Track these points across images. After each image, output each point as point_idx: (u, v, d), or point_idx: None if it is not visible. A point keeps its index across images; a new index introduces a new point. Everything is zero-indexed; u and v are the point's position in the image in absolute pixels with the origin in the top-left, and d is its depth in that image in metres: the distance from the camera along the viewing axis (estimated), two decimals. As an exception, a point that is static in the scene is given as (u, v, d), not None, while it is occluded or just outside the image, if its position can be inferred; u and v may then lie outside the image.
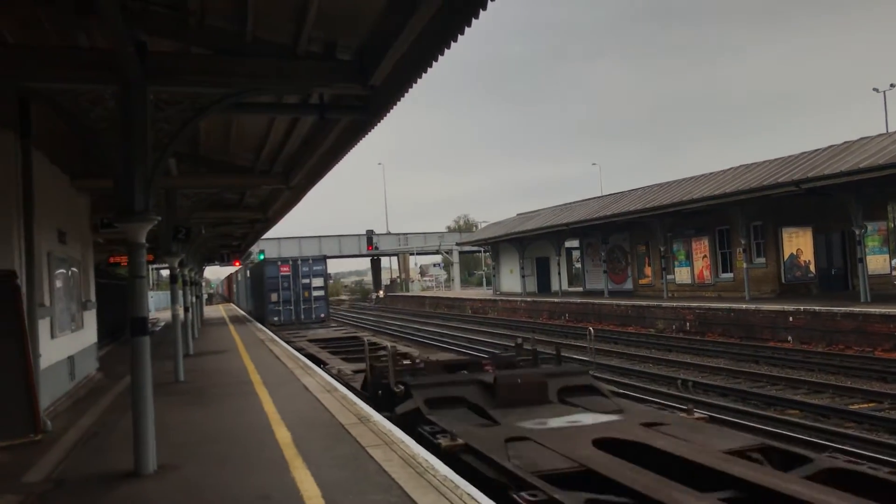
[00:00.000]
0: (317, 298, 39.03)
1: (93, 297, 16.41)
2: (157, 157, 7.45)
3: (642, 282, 36.15)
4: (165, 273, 53.59)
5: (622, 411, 8.93)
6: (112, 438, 9.15)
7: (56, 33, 7.96)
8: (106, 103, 7.46)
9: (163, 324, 31.62)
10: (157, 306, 59.30)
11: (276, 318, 37.22)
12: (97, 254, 19.82)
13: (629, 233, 36.21)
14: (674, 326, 26.94)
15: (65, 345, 12.70)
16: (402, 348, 16.25)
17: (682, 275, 33.02)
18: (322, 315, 38.95)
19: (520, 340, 13.10)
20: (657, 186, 34.57)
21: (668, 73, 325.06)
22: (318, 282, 39.48)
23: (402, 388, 9.76)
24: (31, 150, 9.83)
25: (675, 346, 23.48)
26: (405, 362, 11.76)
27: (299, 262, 39.75)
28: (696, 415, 9.10)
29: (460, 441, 7.50)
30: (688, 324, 26.39)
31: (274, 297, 38.18)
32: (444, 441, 7.61)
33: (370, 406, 10.10)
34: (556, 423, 8.42)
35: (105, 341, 20.25)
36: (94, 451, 8.59)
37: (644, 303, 30.28)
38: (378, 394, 10.59)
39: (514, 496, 5.94)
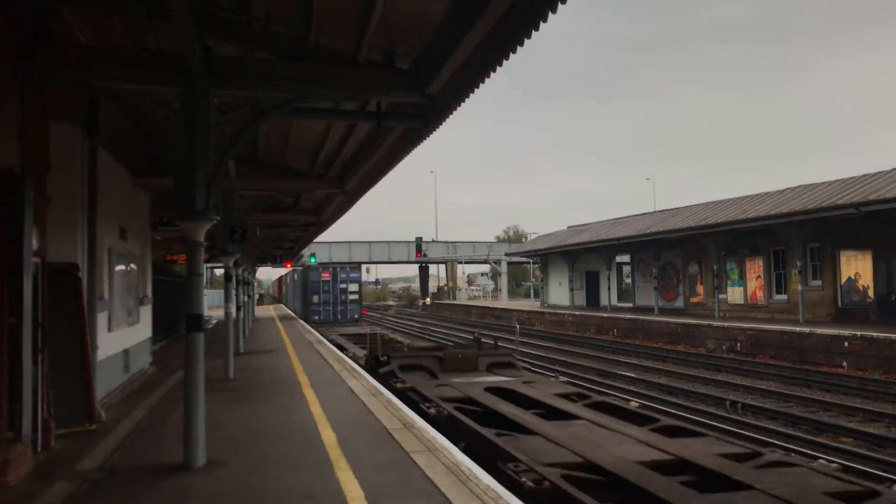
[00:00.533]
0: (352, 301, 45.11)
1: (149, 293, 16.80)
2: (218, 158, 7.62)
3: (693, 300, 35.59)
4: (219, 272, 54.63)
5: (521, 377, 14.17)
6: (163, 431, 9.35)
7: (126, 35, 8.22)
8: (171, 105, 7.65)
9: (214, 321, 32.19)
10: (210, 304, 60.37)
11: (316, 317, 42.78)
12: (154, 251, 20.29)
13: (682, 250, 35.70)
14: (724, 347, 26.44)
15: (121, 338, 13.03)
16: (399, 338, 25.36)
17: (734, 294, 32.42)
18: (356, 316, 44.49)
19: (476, 335, 19.28)
20: (712, 204, 34.03)
21: (726, 90, 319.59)
22: (353, 287, 45.53)
23: (385, 358, 14.89)
24: (97, 148, 10.15)
25: (724, 366, 23.04)
26: (395, 345, 17.90)
27: (338, 269, 46.01)
28: (561, 378, 16.35)
29: (409, 385, 12.71)
30: (739, 344, 25.88)
31: (316, 298, 44.20)
32: (400, 385, 12.84)
33: (368, 373, 14.44)
34: (473, 380, 13.28)
35: (159, 336, 20.69)
36: (145, 443, 8.80)
37: (694, 321, 29.78)
38: (372, 364, 15.54)
39: (423, 408, 10.69)
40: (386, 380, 13.62)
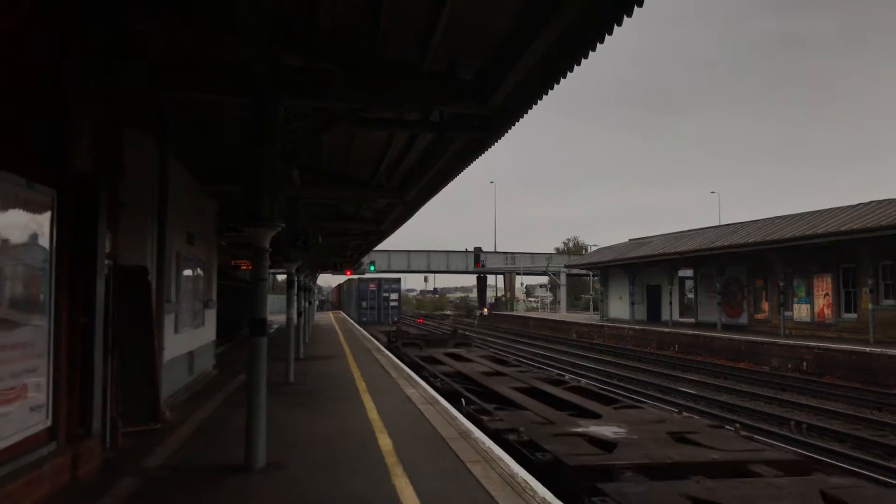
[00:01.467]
0: (392, 308, 59.51)
1: (214, 297, 17.21)
2: (284, 166, 7.80)
3: (758, 317, 34.72)
4: (281, 278, 55.69)
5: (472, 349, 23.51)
6: (225, 433, 9.57)
7: (197, 46, 8.47)
8: (239, 113, 7.86)
9: (276, 327, 32.73)
10: (271, 310, 61.37)
11: (364, 318, 55.27)
12: (219, 256, 20.77)
13: (747, 265, 34.87)
14: (789, 365, 25.69)
15: (186, 340, 13.38)
16: (411, 331, 37.06)
17: (800, 312, 31.51)
18: (395, 318, 56.46)
19: (454, 328, 34.59)
20: (779, 219, 33.20)
21: (792, 104, 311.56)
22: (394, 296, 60.21)
23: (395, 340, 25.19)
24: (168, 155, 10.48)
25: (789, 385, 22.37)
26: (407, 333, 29.51)
27: (382, 281, 59.37)
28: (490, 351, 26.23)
29: (404, 352, 21.66)
30: (805, 363, 25.12)
31: (364, 304, 58.78)
32: (408, 352, 21.71)
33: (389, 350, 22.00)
34: (440, 350, 21.92)
35: (222, 340, 21.15)
36: (207, 443, 9.01)
37: (759, 339, 29.04)
38: (389, 344, 25.25)
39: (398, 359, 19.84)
40: (396, 351, 22.72)
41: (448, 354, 20.30)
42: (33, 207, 6.15)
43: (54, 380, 6.51)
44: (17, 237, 5.87)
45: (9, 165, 5.57)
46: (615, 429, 9.30)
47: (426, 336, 29.10)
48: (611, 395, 14.00)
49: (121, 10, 7.22)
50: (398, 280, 61.82)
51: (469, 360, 18.66)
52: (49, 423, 6.47)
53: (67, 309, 6.79)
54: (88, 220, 7.22)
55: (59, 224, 6.54)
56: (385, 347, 24.66)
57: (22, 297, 5.95)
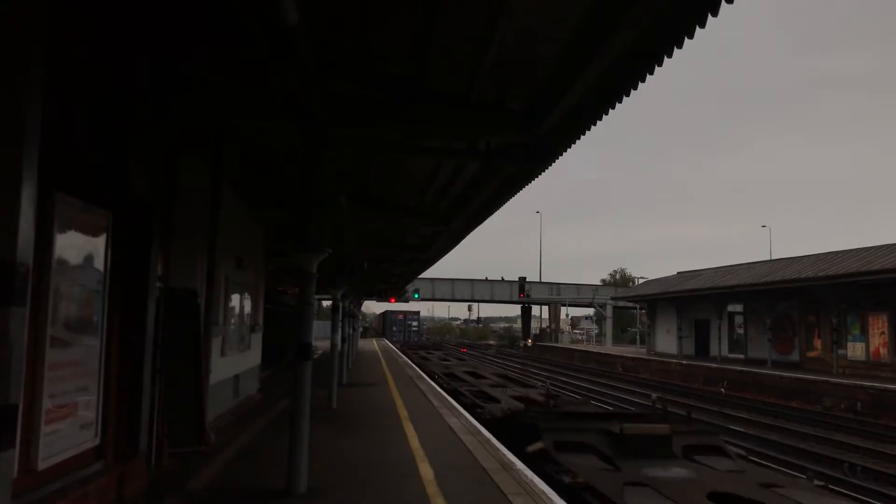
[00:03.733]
0: (413, 331, 79.49)
1: (261, 321, 17.40)
2: (332, 193, 7.89)
3: (810, 354, 33.78)
4: (325, 304, 56.13)
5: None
6: (268, 456, 9.62)
7: (251, 74, 8.67)
8: (289, 141, 8.00)
9: (319, 352, 32.93)
10: (315, 335, 61.89)
11: (393, 339, 71.91)
12: (266, 281, 21.03)
13: (799, 300, 34.03)
14: (843, 405, 24.91)
15: (232, 364, 13.53)
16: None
17: (855, 350, 30.57)
18: (416, 339, 76.67)
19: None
20: (832, 254, 32.43)
21: (842, 142, 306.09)
22: (414, 324, 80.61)
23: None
24: (220, 181, 10.69)
25: (842, 426, 21.66)
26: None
27: (407, 314, 79.08)
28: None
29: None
30: (859, 404, 24.32)
31: (395, 328, 78.02)
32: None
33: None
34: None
35: (266, 365, 21.34)
36: (250, 466, 9.07)
37: (811, 377, 28.25)
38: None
39: None
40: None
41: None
42: (89, 229, 6.32)
43: (104, 399, 6.62)
44: (74, 258, 6.02)
45: (67, 187, 5.73)
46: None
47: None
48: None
49: (179, 40, 7.43)
50: (418, 312, 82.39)
51: None
52: (97, 441, 6.57)
53: (119, 330, 6.92)
54: (142, 242, 7.38)
55: (113, 246, 6.69)
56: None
57: (76, 317, 6.09)
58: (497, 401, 16.59)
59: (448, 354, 49.04)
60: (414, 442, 10.95)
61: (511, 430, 11.61)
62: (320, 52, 7.01)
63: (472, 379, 24.21)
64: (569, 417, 12.50)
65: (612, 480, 8.87)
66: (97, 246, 6.47)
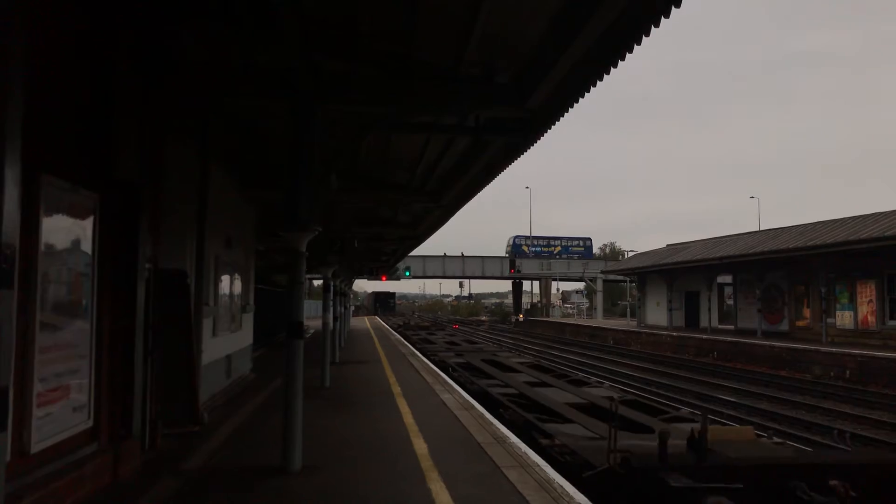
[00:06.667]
0: (393, 306, 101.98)
1: (252, 301, 17.38)
2: (322, 171, 7.84)
3: (799, 323, 34.06)
4: (316, 283, 56.09)
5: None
6: (262, 435, 9.64)
7: (238, 52, 8.56)
8: (278, 119, 7.92)
9: (312, 331, 32.95)
10: (307, 315, 61.85)
11: (378, 311, 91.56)
12: (257, 261, 20.96)
13: (787, 271, 34.25)
14: (832, 373, 25.15)
15: (224, 344, 13.52)
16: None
17: (843, 319, 30.84)
18: (394, 311, 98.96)
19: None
20: (820, 224, 32.56)
21: (820, 117, 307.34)
22: (392, 301, 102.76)
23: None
24: (208, 160, 10.60)
25: (832, 394, 21.87)
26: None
27: (387, 294, 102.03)
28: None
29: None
30: (848, 371, 24.57)
31: (378, 304, 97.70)
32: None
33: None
34: None
35: (258, 345, 21.35)
36: (245, 446, 9.09)
37: (800, 346, 28.49)
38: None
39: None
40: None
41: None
42: (77, 211, 6.26)
43: (96, 381, 6.60)
44: (62, 241, 5.97)
45: (54, 169, 5.67)
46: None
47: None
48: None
49: (164, 17, 7.33)
50: (393, 294, 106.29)
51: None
52: (91, 423, 6.56)
53: (109, 312, 6.89)
54: (130, 224, 7.33)
55: (101, 228, 6.64)
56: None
57: (65, 300, 6.05)
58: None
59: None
60: (408, 418, 10.99)
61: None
62: (307, 28, 6.92)
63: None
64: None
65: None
66: (85, 228, 6.42)
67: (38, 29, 5.07)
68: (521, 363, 21.18)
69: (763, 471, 7.34)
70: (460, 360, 21.75)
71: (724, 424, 13.08)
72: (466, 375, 17.57)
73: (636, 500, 7.09)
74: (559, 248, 78.45)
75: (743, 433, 9.42)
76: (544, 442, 9.40)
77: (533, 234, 79.25)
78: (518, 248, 75.99)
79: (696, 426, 7.83)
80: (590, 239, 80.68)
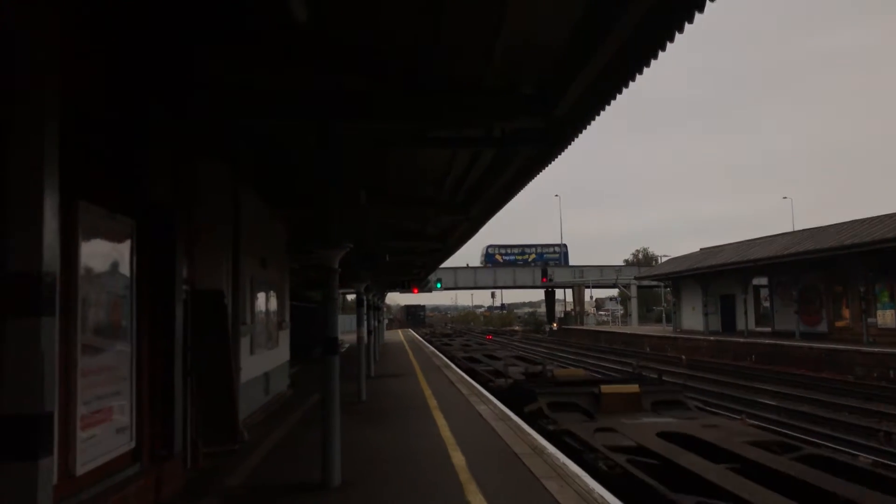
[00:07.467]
0: (421, 317, 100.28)
1: (287, 318, 17.53)
2: (350, 188, 7.92)
3: (839, 324, 33.45)
4: (350, 297, 56.39)
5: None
6: (301, 451, 9.71)
7: (264, 74, 8.69)
8: (305, 138, 8.02)
9: (346, 346, 33.10)
10: (341, 329, 62.15)
11: (410, 322, 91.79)
12: (292, 278, 21.13)
13: (825, 271, 33.67)
14: (875, 374, 24.65)
15: (261, 361, 13.66)
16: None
17: (885, 318, 30.20)
18: (425, 321, 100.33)
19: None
20: (857, 222, 32.00)
21: (848, 117, 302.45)
22: (422, 314, 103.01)
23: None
24: (239, 182, 10.77)
25: (876, 395, 21.43)
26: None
27: (418, 307, 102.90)
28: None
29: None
30: (891, 371, 24.08)
31: (410, 317, 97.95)
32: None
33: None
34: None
35: (295, 360, 21.49)
36: (285, 462, 9.17)
37: (840, 347, 27.98)
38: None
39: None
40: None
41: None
42: (114, 236, 6.41)
43: (137, 403, 6.73)
44: (100, 266, 6.11)
45: (91, 197, 5.81)
46: None
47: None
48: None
49: (193, 42, 7.47)
50: (423, 307, 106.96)
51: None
52: (133, 444, 6.68)
53: (148, 333, 7.03)
54: (166, 247, 7.47)
55: (138, 252, 6.79)
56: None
57: (106, 324, 6.18)
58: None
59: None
60: (445, 430, 11.00)
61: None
62: (332, 48, 7.02)
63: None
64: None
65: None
66: (122, 252, 6.56)
67: (72, 61, 5.22)
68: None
69: (570, 383, 15.01)
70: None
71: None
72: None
73: (516, 397, 13.98)
74: (533, 256, 78.53)
75: (575, 372, 19.14)
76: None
77: (506, 243, 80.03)
78: (491, 257, 76.53)
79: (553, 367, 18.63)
80: (565, 245, 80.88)
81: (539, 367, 19.12)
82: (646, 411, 12.67)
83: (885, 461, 12.16)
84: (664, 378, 16.77)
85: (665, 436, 10.36)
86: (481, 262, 78.62)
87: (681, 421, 11.76)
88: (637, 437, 10.29)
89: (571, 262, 78.73)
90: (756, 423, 14.23)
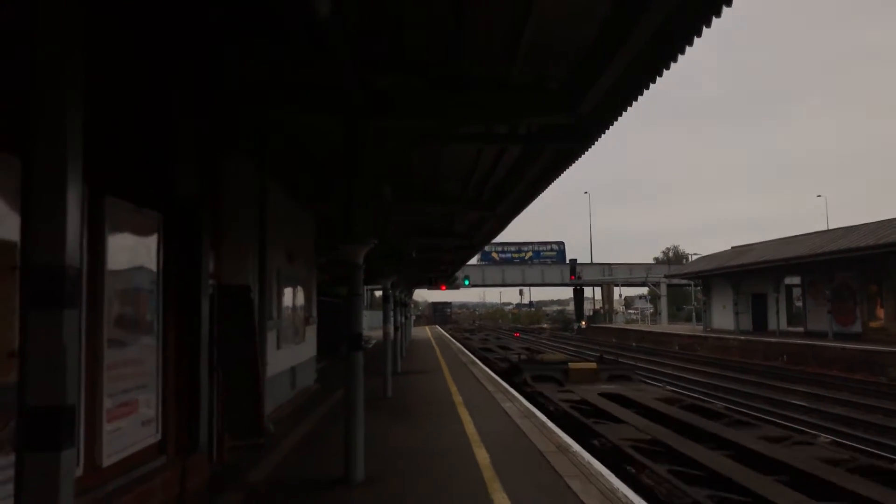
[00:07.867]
0: (449, 314, 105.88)
1: (314, 313, 17.60)
2: (376, 184, 7.91)
3: (873, 324, 32.83)
4: (377, 294, 56.52)
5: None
6: (326, 446, 9.75)
7: (291, 69, 8.72)
8: (331, 134, 8.03)
9: (373, 342, 33.20)
10: (370, 325, 62.40)
11: (436, 319, 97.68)
12: (319, 274, 21.22)
13: (859, 270, 33.07)
14: (911, 376, 24.16)
15: (288, 356, 13.73)
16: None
17: (922, 319, 29.61)
18: (451, 317, 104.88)
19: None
20: (891, 222, 31.39)
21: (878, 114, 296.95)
22: (448, 310, 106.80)
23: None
24: (266, 176, 10.82)
25: (911, 397, 21.00)
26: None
27: (444, 304, 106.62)
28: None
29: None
30: (928, 374, 23.58)
31: (436, 313, 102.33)
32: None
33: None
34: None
35: (322, 355, 21.58)
36: (309, 457, 9.22)
37: (875, 347, 27.47)
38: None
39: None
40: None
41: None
42: (140, 231, 6.46)
43: (163, 396, 6.79)
44: (127, 260, 6.16)
45: (118, 191, 5.86)
46: None
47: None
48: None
49: (221, 39, 7.52)
50: (450, 304, 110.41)
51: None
52: (159, 437, 6.74)
53: (174, 327, 7.08)
54: (192, 241, 7.51)
55: (165, 246, 6.84)
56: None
57: (132, 317, 6.24)
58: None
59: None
60: (469, 427, 10.98)
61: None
62: (356, 44, 7.01)
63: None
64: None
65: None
66: (149, 246, 6.62)
67: (98, 57, 5.26)
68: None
69: (550, 363, 21.20)
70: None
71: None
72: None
73: (513, 373, 19.90)
74: (530, 254, 77.70)
75: (556, 355, 27.98)
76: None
77: (503, 241, 78.55)
78: (487, 255, 75.45)
79: (544, 353, 28.98)
80: (562, 243, 79.56)
81: (531, 354, 27.09)
82: (602, 381, 18.57)
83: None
84: (619, 360, 25.44)
85: (605, 395, 15.72)
86: (477, 261, 77.53)
87: (620, 386, 17.37)
88: (584, 395, 15.71)
89: (596, 259, 78.01)
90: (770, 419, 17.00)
